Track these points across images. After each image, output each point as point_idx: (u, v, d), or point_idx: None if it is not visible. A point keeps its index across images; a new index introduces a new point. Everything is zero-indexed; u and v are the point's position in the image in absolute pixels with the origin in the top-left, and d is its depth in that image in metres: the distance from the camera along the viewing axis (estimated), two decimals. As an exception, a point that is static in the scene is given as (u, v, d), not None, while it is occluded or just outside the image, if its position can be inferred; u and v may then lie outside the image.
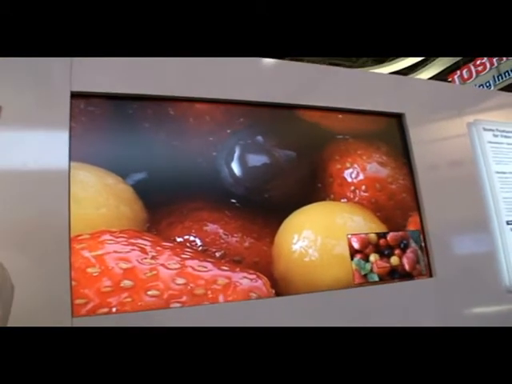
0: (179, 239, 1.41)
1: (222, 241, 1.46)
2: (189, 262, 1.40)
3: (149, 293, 1.33)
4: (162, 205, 1.41)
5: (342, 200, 1.71)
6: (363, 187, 1.76)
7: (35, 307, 1.14)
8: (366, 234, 1.69)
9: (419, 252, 1.80)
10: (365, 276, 1.67)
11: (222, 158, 1.54)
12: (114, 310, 1.28)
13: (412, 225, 1.82)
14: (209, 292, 1.40)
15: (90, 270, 1.27)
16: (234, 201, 1.51)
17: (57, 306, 1.21)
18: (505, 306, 1.92)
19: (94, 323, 1.23)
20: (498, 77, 9.81)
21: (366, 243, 1.69)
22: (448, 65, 11.30)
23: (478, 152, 2.06)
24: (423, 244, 1.82)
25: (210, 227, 1.46)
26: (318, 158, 1.72)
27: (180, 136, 1.51)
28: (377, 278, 1.69)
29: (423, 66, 11.75)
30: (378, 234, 1.72)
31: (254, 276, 1.48)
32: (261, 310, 1.46)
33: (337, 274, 1.62)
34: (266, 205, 1.56)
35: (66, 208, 1.28)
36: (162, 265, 1.36)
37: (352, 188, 1.74)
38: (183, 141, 1.51)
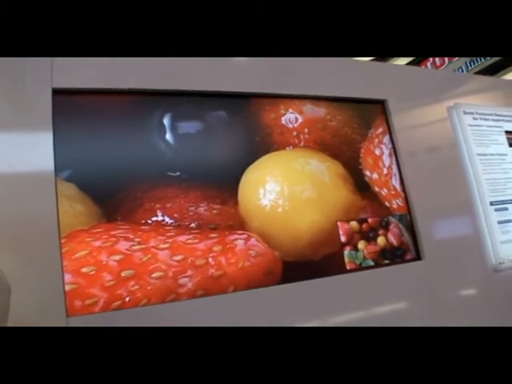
0: (150, 222, 1.40)
1: (191, 213, 1.45)
2: (176, 239, 1.40)
3: (153, 275, 1.33)
4: (110, 194, 1.37)
5: (288, 148, 1.70)
6: (306, 130, 1.75)
7: (29, 309, 1.13)
8: (348, 222, 1.70)
9: (400, 225, 1.82)
10: (360, 265, 1.69)
11: (155, 133, 1.50)
12: (127, 299, 1.28)
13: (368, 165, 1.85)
14: (210, 260, 1.42)
15: (85, 269, 1.26)
16: (179, 173, 1.48)
17: (51, 306, 1.20)
18: (492, 285, 1.96)
19: (93, 321, 1.22)
20: (470, 62, 9.99)
21: (351, 233, 1.70)
22: (421, 52, 11.44)
23: (459, 135, 2.10)
24: (411, 227, 1.85)
25: (173, 203, 1.44)
26: (248, 113, 1.68)
27: (109, 123, 1.46)
28: (372, 263, 1.71)
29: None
30: (358, 220, 1.73)
31: (245, 235, 1.51)
32: (264, 298, 1.47)
33: (312, 217, 1.64)
34: (212, 170, 1.54)
35: (55, 208, 1.26)
36: (153, 247, 1.36)
37: (295, 133, 1.73)
38: (113, 127, 1.46)
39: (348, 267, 1.66)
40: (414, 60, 11.51)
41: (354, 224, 1.72)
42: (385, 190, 1.85)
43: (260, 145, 1.65)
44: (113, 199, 1.37)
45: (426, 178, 1.93)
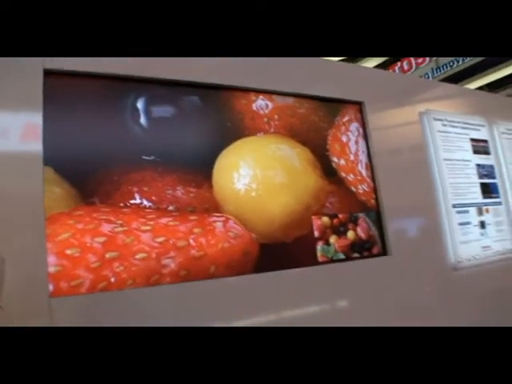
0: (128, 204, 1.42)
1: (168, 196, 1.49)
2: (158, 221, 1.43)
3: (137, 257, 1.36)
4: (87, 177, 1.38)
5: (259, 134, 1.75)
6: (276, 116, 1.80)
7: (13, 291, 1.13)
8: (320, 217, 1.77)
9: (367, 219, 1.91)
10: (331, 258, 1.77)
11: (128, 116, 1.51)
12: (112, 280, 1.31)
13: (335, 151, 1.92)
14: (191, 241, 1.46)
15: (69, 251, 1.27)
16: (153, 157, 1.50)
17: (34, 287, 1.21)
18: (450, 283, 2.08)
19: (75, 302, 1.23)
20: (436, 69, 10.28)
21: (323, 229, 1.77)
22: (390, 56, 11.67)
23: (428, 140, 2.21)
24: (379, 223, 1.95)
25: (150, 186, 1.47)
26: (221, 98, 1.71)
27: (84, 106, 1.45)
28: (343, 256, 1.79)
29: (365, 56, 12.05)
30: (329, 216, 1.81)
31: (223, 217, 1.56)
32: (240, 286, 1.53)
33: (284, 200, 1.71)
34: (186, 154, 1.57)
35: (41, 190, 1.26)
36: (136, 229, 1.39)
37: (265, 120, 1.78)
38: (87, 110, 1.45)
39: (320, 260, 1.73)
40: (383, 63, 11.73)
41: (325, 219, 1.79)
42: (351, 176, 1.93)
43: (232, 130, 1.69)
44: (90, 182, 1.38)
45: (396, 177, 2.03)
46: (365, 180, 1.96)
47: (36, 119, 1.31)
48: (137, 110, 1.52)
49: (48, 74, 1.35)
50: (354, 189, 1.92)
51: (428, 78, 10.32)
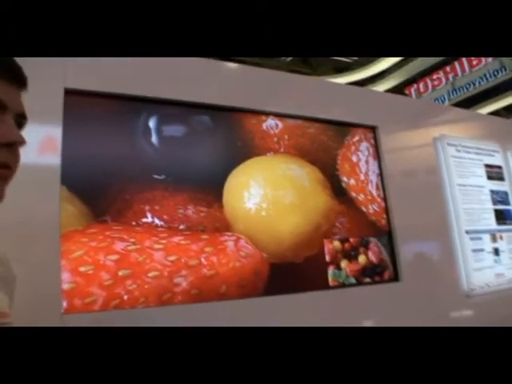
0: (140, 223, 1.43)
1: (179, 215, 1.50)
2: (170, 240, 1.44)
3: (149, 275, 1.37)
4: (99, 196, 1.39)
5: (269, 153, 1.76)
6: (286, 136, 1.81)
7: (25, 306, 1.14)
8: (331, 241, 1.77)
9: (379, 243, 1.91)
10: (343, 283, 1.76)
11: (140, 136, 1.52)
12: (125, 297, 1.32)
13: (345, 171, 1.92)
14: (202, 260, 1.47)
15: (83, 269, 1.29)
16: (164, 176, 1.50)
17: (47, 304, 1.22)
18: (463, 310, 2.06)
19: (85, 320, 1.24)
20: (452, 91, 10.31)
21: (334, 253, 1.77)
22: (406, 78, 11.71)
23: (442, 165, 2.21)
24: (391, 248, 1.94)
25: (161, 205, 1.48)
26: (231, 118, 1.72)
27: (96, 126, 1.46)
28: (354, 281, 1.79)
29: (381, 78, 12.10)
30: (341, 240, 1.80)
31: (234, 237, 1.57)
32: (250, 308, 1.53)
33: (294, 220, 1.71)
34: (195, 173, 1.58)
35: (57, 206, 1.29)
36: (148, 247, 1.40)
37: (275, 139, 1.79)
38: (100, 130, 1.47)
39: (331, 284, 1.73)
40: (399, 84, 11.77)
41: (336, 244, 1.79)
42: (361, 195, 1.93)
43: (242, 149, 1.70)
44: (102, 200, 1.39)
45: (409, 201, 2.02)
46: (375, 200, 1.96)
47: (55, 134, 1.33)
48: (148, 129, 1.54)
49: (68, 93, 1.38)
50: (364, 209, 1.92)
51: (444, 100, 10.36)
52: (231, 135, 1.69)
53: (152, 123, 1.54)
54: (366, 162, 1.99)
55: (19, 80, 0.65)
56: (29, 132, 0.65)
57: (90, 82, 1.45)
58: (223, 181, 1.61)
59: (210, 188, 1.58)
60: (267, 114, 1.78)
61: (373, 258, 1.87)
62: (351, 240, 1.83)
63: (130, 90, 1.51)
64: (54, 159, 1.32)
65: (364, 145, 2.01)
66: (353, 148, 1.97)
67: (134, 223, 1.42)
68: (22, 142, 0.63)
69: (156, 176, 1.50)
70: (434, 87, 10.74)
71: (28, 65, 0.67)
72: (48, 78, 1.34)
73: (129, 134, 1.50)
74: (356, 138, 1.99)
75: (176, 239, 1.46)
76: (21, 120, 0.66)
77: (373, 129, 2.04)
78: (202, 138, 1.63)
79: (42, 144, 1.32)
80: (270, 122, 1.79)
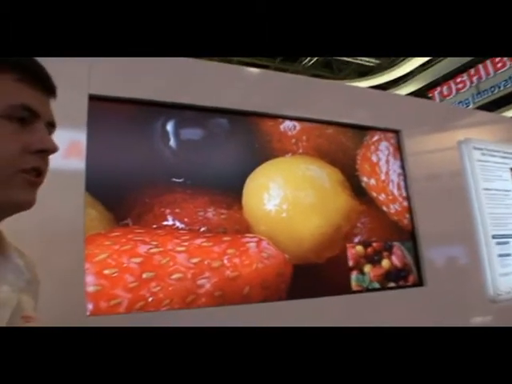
0: (161, 226, 1.45)
1: (200, 218, 1.50)
2: (192, 242, 1.46)
3: (173, 277, 1.39)
4: (120, 200, 1.41)
5: (287, 155, 1.75)
6: (304, 137, 1.80)
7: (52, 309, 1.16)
8: (354, 246, 1.76)
9: (402, 247, 1.88)
10: (367, 287, 1.75)
11: (159, 140, 1.53)
12: (149, 299, 1.34)
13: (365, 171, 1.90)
14: (225, 262, 1.48)
15: (107, 271, 1.31)
16: (183, 179, 1.51)
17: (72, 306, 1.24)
18: (488, 315, 2.02)
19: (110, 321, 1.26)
20: (476, 95, 10.13)
21: (357, 258, 1.76)
22: (429, 81, 11.56)
23: (467, 169, 2.17)
24: (415, 253, 1.91)
25: (181, 208, 1.49)
26: (248, 120, 1.72)
27: (116, 131, 1.49)
28: (378, 286, 1.77)
29: (404, 82, 11.97)
30: (363, 244, 1.79)
31: (256, 238, 1.57)
32: (273, 312, 1.53)
33: (316, 221, 1.71)
34: (214, 176, 1.58)
35: (82, 210, 1.31)
36: (171, 250, 1.42)
37: (293, 141, 1.78)
38: (119, 135, 1.49)
39: (354, 289, 1.72)
40: (422, 87, 11.63)
41: (359, 248, 1.78)
42: (382, 196, 1.91)
43: (260, 151, 1.70)
44: (123, 204, 1.41)
45: (433, 205, 1.99)
46: (397, 199, 1.94)
47: (80, 140, 1.36)
48: (166, 132, 1.55)
49: (92, 98, 1.41)
50: (385, 208, 1.90)
51: (468, 103, 10.18)
52: (249, 137, 1.70)
53: (170, 127, 1.56)
54: (387, 161, 1.97)
55: (49, 89, 0.67)
56: (55, 137, 0.67)
57: (112, 88, 1.47)
58: (242, 183, 1.62)
59: (230, 190, 1.59)
60: (289, 118, 1.78)
61: (396, 262, 1.85)
62: (374, 244, 1.82)
63: (150, 95, 1.53)
64: (79, 164, 1.34)
65: (384, 144, 1.99)
66: (372, 148, 1.96)
67: (155, 226, 1.44)
68: (54, 149, 0.65)
69: (175, 179, 1.51)
70: (457, 90, 10.57)
71: (54, 72, 0.69)
72: (73, 84, 1.36)
73: (147, 138, 1.52)
74: (375, 138, 1.98)
75: (198, 241, 1.47)
76: (50, 128, 0.68)
77: (396, 132, 2.02)
78: (220, 140, 1.64)
79: (67, 150, 1.34)
80: (288, 123, 1.79)
